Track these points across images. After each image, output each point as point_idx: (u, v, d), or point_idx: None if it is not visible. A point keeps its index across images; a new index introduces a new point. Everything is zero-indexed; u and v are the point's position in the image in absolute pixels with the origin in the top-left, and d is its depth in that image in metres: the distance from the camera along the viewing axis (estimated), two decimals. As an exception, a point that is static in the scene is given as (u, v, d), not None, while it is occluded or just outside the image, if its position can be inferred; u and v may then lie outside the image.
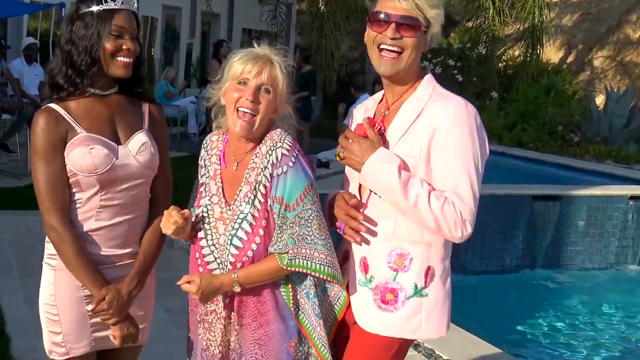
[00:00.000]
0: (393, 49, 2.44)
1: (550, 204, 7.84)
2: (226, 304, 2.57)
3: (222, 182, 2.59)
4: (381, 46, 2.45)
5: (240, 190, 2.54)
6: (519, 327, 6.35)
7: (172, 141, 4.97)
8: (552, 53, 17.92)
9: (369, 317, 2.52)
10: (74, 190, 2.62)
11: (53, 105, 2.61)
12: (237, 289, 2.48)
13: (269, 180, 2.48)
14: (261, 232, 2.49)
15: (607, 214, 8.12)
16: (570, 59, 18.59)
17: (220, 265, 2.55)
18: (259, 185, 2.50)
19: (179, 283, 2.51)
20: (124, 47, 2.59)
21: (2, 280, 5.82)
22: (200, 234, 2.59)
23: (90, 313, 2.66)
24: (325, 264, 2.47)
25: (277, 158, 2.47)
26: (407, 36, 2.43)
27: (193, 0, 17.45)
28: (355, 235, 2.50)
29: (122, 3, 2.58)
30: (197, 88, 16.51)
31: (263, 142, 2.53)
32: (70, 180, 2.60)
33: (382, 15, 2.44)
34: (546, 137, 12.52)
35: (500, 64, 17.92)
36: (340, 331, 2.66)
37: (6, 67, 10.60)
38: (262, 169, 2.50)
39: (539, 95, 13.63)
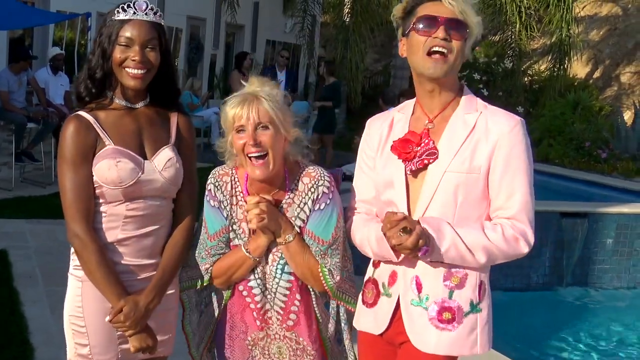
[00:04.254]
0: (443, 50, 2.38)
1: (578, 221, 7.72)
2: (286, 326, 2.66)
3: None
4: (433, 49, 2.39)
5: None
6: (544, 346, 6.25)
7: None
8: (578, 68, 17.77)
9: (427, 337, 2.47)
10: (99, 200, 2.62)
11: (83, 113, 2.62)
12: (290, 239, 2.55)
13: (307, 215, 2.58)
14: None
15: (636, 232, 7.94)
16: (597, 74, 18.41)
17: (268, 295, 2.64)
18: (295, 220, 2.59)
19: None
20: (130, 57, 2.57)
21: (27, 289, 5.83)
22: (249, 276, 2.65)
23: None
24: (354, 296, 2.68)
25: (318, 196, 2.57)
26: (455, 39, 2.39)
27: (217, 11, 17.52)
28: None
29: (134, 13, 2.58)
30: (221, 99, 16.56)
31: (299, 178, 2.61)
32: (96, 191, 2.60)
33: (430, 17, 2.40)
34: (573, 153, 12.40)
35: (526, 79, 17.80)
36: (374, 348, 2.64)
37: (32, 76, 10.67)
38: (299, 204, 2.59)
39: (566, 110, 13.52)
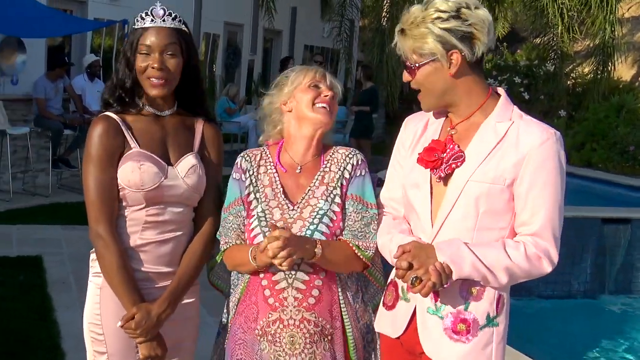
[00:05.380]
0: (416, 88, 2.44)
1: (621, 227, 7.50)
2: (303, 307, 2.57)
3: (281, 187, 2.64)
4: None
5: (310, 190, 2.63)
6: (585, 355, 6.08)
7: (232, 158, 4.88)
8: (623, 70, 17.42)
9: (440, 347, 2.41)
10: (122, 204, 2.62)
11: (111, 114, 2.63)
12: (319, 252, 2.49)
13: (346, 179, 2.65)
14: (341, 225, 2.61)
15: (682, 238, 7.72)
16: (642, 77, 18.08)
17: (288, 272, 2.56)
18: (337, 183, 2.64)
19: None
20: (150, 65, 2.57)
21: (60, 295, 5.92)
22: (258, 239, 2.57)
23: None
24: (382, 273, 2.73)
25: (357, 161, 2.68)
26: (413, 78, 2.42)
27: (255, 16, 17.56)
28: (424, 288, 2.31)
29: (152, 21, 2.58)
30: (259, 104, 16.58)
31: (333, 151, 2.71)
32: (119, 194, 2.60)
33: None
34: (617, 158, 12.13)
35: (569, 82, 17.51)
36: (393, 354, 2.60)
37: (69, 83, 10.77)
38: (338, 170, 2.66)
39: (610, 114, 13.22)
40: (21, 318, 5.36)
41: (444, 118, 2.54)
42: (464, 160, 2.38)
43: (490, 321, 2.40)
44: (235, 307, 2.69)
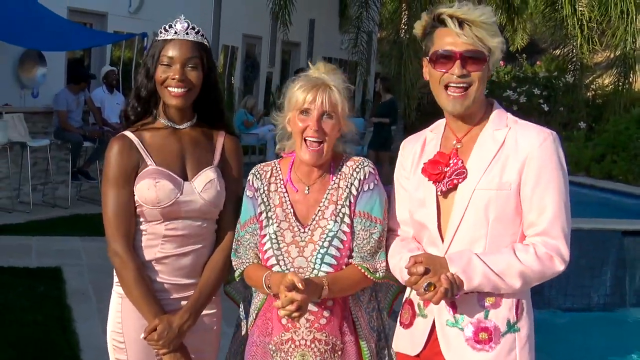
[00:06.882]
0: (461, 86, 2.36)
1: (641, 240, 7.44)
2: (314, 327, 2.56)
3: (292, 207, 2.61)
4: (449, 84, 2.38)
5: (320, 210, 2.59)
6: (605, 369, 6.02)
7: (250, 170, 4.93)
8: (644, 82, 17.28)
9: (464, 358, 2.41)
10: (140, 219, 2.67)
11: (128, 134, 2.68)
12: (325, 293, 2.48)
13: (354, 196, 2.58)
14: (352, 245, 2.58)
15: (703, 250, 7.63)
16: (663, 88, 17.88)
17: None
18: (345, 201, 2.58)
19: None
20: (170, 77, 2.61)
21: (80, 306, 5.95)
22: (271, 262, 2.57)
23: None
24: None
25: (365, 175, 2.60)
26: (473, 71, 2.35)
27: (273, 29, 17.59)
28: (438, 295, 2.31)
29: (175, 33, 2.63)
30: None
31: (342, 163, 2.64)
32: (137, 210, 2.65)
33: (445, 53, 2.36)
34: (637, 170, 12.02)
35: (588, 93, 17.42)
36: None
37: (88, 96, 10.84)
38: (346, 186, 2.60)
39: (630, 125, 13.11)
40: (40, 329, 5.39)
41: (442, 132, 2.56)
42: (465, 176, 2.41)
43: (511, 327, 2.41)
44: (255, 313, 2.70)
